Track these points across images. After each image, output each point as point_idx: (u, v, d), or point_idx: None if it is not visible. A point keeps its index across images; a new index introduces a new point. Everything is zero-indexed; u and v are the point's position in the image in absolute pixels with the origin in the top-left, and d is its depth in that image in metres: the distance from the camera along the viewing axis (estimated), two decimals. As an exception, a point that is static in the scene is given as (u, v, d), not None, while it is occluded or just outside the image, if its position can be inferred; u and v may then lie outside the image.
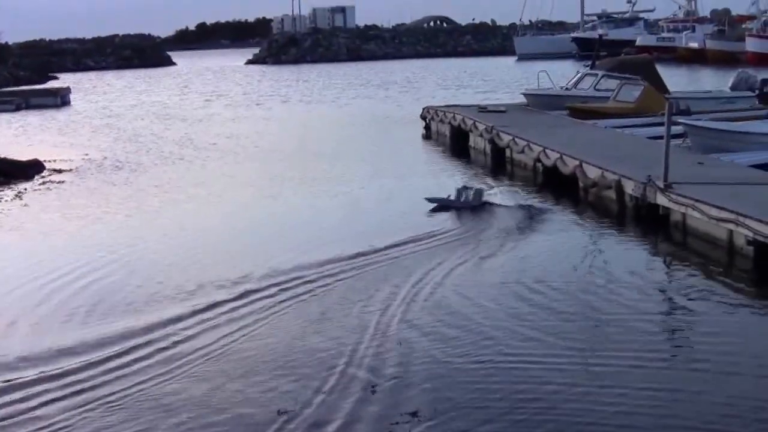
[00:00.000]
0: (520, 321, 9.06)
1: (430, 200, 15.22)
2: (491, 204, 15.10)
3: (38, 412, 7.24)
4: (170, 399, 7.40)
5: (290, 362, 8.15)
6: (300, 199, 17.07)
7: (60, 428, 6.95)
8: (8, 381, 7.89)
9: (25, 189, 18.67)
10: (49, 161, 22.03)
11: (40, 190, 18.63)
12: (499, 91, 42.99)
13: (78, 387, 7.70)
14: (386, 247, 12.05)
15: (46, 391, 7.65)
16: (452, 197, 15.19)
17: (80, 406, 7.29)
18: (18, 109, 42.52)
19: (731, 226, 11.21)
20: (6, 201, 17.43)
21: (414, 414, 6.91)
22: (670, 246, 12.50)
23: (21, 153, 22.86)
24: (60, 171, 20.96)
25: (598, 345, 8.40)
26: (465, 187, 15.64)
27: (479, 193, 15.41)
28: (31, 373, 8.04)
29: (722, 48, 68.67)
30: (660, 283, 10.61)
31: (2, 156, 21.16)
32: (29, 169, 20.47)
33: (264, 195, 17.59)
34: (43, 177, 20.18)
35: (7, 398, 7.55)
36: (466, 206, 14.94)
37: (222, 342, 8.66)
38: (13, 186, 18.95)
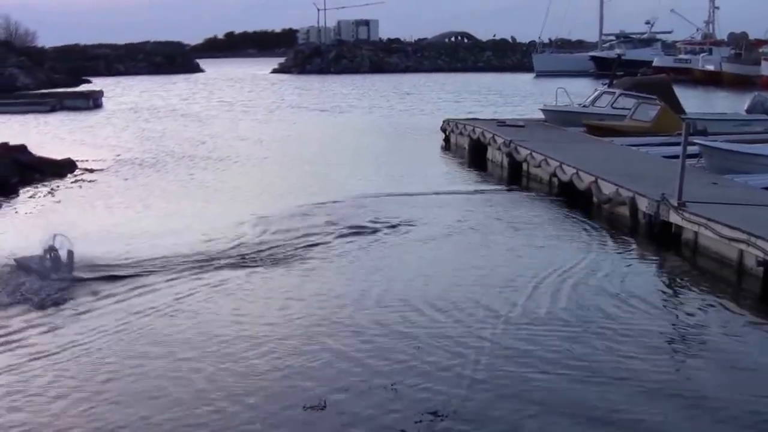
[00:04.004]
0: (522, 336, 9.07)
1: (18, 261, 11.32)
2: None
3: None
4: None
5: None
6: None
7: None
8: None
9: (58, 186, 19.31)
10: (82, 161, 22.72)
11: (72, 188, 19.25)
12: (517, 106, 43.40)
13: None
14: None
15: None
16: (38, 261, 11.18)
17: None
18: (53, 110, 43.50)
19: (742, 246, 11.29)
20: (40, 197, 18.10)
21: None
22: (680, 264, 12.55)
23: (55, 152, 23.48)
24: (92, 170, 21.60)
25: (600, 361, 8.37)
26: (52, 248, 11.16)
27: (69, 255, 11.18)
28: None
29: (738, 71, 68.95)
30: (668, 300, 10.64)
31: (37, 155, 21.80)
32: (63, 168, 21.12)
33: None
34: (75, 176, 20.83)
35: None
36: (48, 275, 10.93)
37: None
38: (47, 183, 19.61)
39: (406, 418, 7.11)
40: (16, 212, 16.46)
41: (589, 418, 7.17)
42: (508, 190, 19.08)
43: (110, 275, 11.25)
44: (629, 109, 25.16)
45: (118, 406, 7.40)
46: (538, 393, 7.62)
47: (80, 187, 19.33)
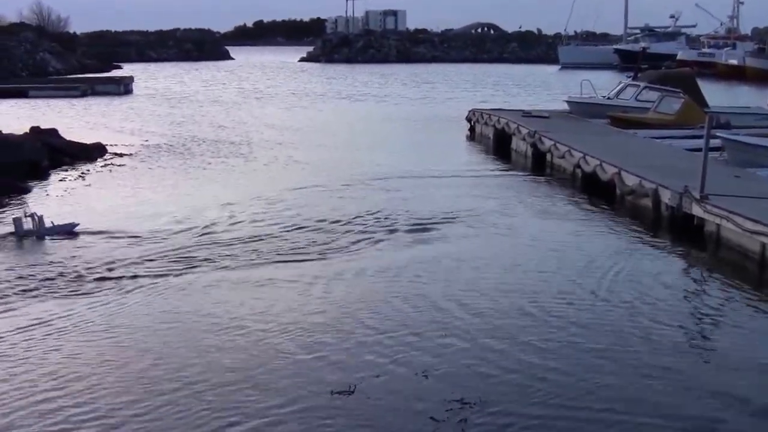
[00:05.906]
0: (544, 327, 9.10)
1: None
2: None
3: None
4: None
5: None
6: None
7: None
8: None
9: (89, 170, 19.67)
10: (111, 145, 23.10)
11: (102, 171, 19.58)
12: (541, 97, 43.45)
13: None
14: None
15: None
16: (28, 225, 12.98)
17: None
18: (84, 95, 44.16)
19: (765, 239, 11.36)
20: (70, 180, 18.46)
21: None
22: (702, 256, 12.58)
23: (85, 136, 23.88)
24: (121, 155, 21.96)
25: (617, 352, 8.37)
26: (25, 212, 13.29)
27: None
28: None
29: (761, 66, 68.67)
30: (690, 292, 10.65)
31: (68, 139, 22.16)
32: (93, 152, 21.50)
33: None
34: (105, 159, 21.21)
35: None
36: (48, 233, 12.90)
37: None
38: (77, 167, 19.97)
39: (435, 405, 7.12)
40: (47, 194, 16.79)
41: (608, 411, 7.18)
42: (532, 180, 19.18)
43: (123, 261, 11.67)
44: (653, 101, 25.26)
45: (142, 388, 7.65)
46: (561, 384, 7.65)
47: (110, 171, 19.66)
